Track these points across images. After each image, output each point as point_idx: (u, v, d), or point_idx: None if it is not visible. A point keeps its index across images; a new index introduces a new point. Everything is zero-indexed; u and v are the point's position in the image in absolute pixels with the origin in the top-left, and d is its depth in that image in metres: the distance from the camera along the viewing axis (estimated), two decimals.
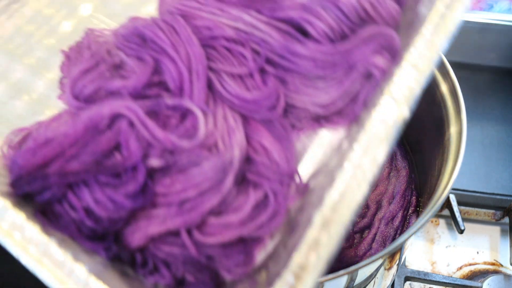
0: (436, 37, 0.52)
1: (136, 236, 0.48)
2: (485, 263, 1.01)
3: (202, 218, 0.49)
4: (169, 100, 0.52)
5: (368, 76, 0.56)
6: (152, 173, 0.50)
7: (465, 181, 1.05)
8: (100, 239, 0.48)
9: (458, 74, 0.83)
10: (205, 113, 0.52)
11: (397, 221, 0.88)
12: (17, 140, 0.57)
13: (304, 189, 0.55)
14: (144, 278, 0.50)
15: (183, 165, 0.50)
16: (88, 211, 0.47)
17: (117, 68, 0.57)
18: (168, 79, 0.53)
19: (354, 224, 0.90)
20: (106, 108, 0.49)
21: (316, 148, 0.59)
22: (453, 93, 0.82)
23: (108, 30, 0.63)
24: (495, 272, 0.99)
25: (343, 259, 0.83)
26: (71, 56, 0.61)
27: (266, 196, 0.52)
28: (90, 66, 0.56)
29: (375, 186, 0.92)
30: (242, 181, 0.53)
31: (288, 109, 0.58)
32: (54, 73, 0.64)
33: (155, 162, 0.49)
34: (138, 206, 0.48)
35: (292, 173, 0.54)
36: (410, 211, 0.92)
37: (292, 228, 0.53)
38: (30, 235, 0.45)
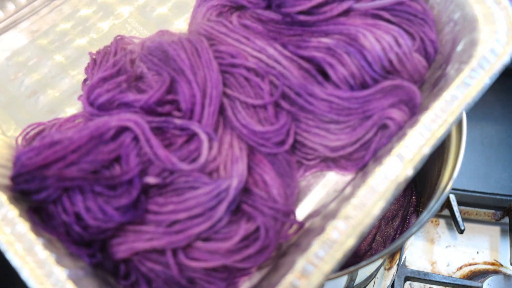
0: (456, 102, 0.50)
1: (122, 248, 0.49)
2: (485, 263, 1.00)
3: (189, 242, 0.50)
4: (178, 121, 0.53)
5: (383, 127, 0.55)
6: (147, 189, 0.50)
7: (465, 181, 1.04)
8: (86, 245, 0.49)
9: None
10: (211, 139, 0.53)
11: (397, 221, 0.88)
12: (32, 134, 0.58)
13: (299, 228, 0.55)
14: None
15: (180, 186, 0.51)
16: (78, 217, 0.48)
17: (137, 79, 0.58)
18: (181, 100, 0.54)
19: None
20: (114, 120, 0.50)
21: (321, 188, 0.59)
22: None
23: (137, 38, 0.65)
24: (495, 272, 0.98)
25: None
26: (97, 60, 0.62)
27: (257, 230, 0.52)
28: (110, 75, 0.57)
29: None
30: (237, 211, 0.53)
31: (298, 146, 0.58)
32: (79, 73, 0.66)
33: (151, 179, 0.49)
34: (127, 220, 0.48)
35: (288, 211, 0.53)
36: (410, 211, 0.91)
37: (278, 266, 0.52)
38: (19, 231, 0.46)
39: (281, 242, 0.54)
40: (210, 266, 0.50)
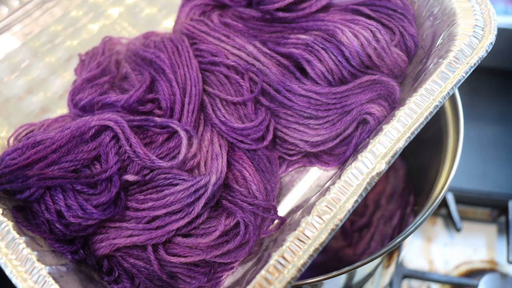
0: (431, 97, 0.50)
1: (103, 244, 0.50)
2: (481, 261, 1.01)
3: (168, 237, 0.51)
4: (158, 119, 0.54)
5: (363, 122, 0.56)
6: (128, 187, 0.52)
7: (462, 180, 1.05)
8: (69, 242, 0.50)
9: None
10: (190, 136, 0.54)
11: (395, 220, 0.88)
12: (24, 135, 0.60)
13: (281, 223, 0.55)
14: (108, 285, 0.52)
15: (159, 184, 0.52)
16: (60, 215, 0.49)
17: (123, 79, 0.60)
18: (161, 99, 0.55)
19: (353, 223, 0.90)
20: (95, 120, 0.51)
21: (304, 183, 0.59)
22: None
23: (126, 38, 0.66)
24: (492, 270, 0.99)
25: (342, 258, 0.83)
26: (85, 61, 0.64)
27: (237, 226, 0.53)
28: (94, 76, 0.58)
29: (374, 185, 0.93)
30: (217, 207, 0.54)
31: (279, 142, 0.58)
32: (70, 74, 0.67)
33: (131, 177, 0.51)
34: (107, 217, 0.49)
35: (268, 207, 0.54)
36: (408, 210, 0.91)
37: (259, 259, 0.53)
38: (2, 230, 0.48)
39: (263, 237, 0.55)
40: (190, 261, 0.51)
